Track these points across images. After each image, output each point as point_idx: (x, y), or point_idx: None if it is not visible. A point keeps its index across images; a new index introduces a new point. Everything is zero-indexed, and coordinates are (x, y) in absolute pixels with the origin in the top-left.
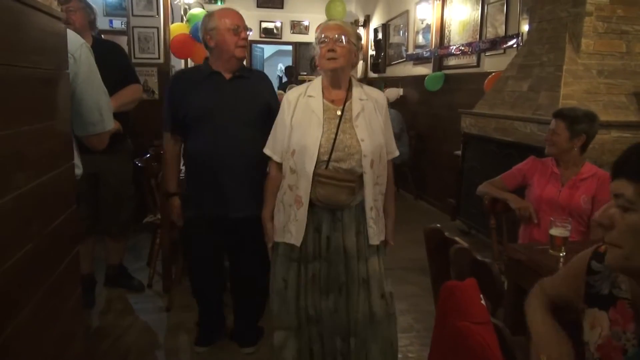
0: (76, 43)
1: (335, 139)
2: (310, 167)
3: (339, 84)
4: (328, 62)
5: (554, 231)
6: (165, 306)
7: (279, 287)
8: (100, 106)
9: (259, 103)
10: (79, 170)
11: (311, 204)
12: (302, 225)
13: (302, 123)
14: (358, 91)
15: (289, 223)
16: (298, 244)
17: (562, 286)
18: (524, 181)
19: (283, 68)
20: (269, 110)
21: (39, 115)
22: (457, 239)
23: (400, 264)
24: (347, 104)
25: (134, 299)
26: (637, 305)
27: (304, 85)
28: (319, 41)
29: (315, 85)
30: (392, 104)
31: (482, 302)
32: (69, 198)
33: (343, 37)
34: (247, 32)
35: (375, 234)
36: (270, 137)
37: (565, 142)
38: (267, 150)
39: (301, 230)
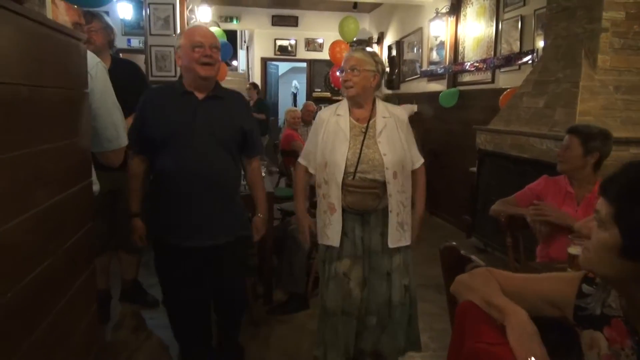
0: (92, 61)
1: (360, 153)
2: (339, 178)
3: (360, 105)
4: (346, 91)
5: (573, 250)
6: None
7: (332, 283)
8: (115, 123)
9: (232, 125)
10: (96, 187)
11: (344, 211)
12: (337, 229)
13: (331, 139)
14: (381, 110)
15: (324, 228)
16: (336, 244)
17: (535, 301)
18: (537, 201)
19: (297, 85)
20: (243, 132)
21: (60, 134)
22: (473, 257)
23: (418, 281)
24: (370, 122)
25: (148, 314)
26: (630, 322)
27: (335, 105)
28: (341, 71)
29: (343, 105)
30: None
31: (498, 322)
32: (86, 214)
33: (356, 68)
34: (213, 50)
35: (397, 238)
36: (304, 150)
37: (579, 159)
38: (302, 160)
39: (337, 232)
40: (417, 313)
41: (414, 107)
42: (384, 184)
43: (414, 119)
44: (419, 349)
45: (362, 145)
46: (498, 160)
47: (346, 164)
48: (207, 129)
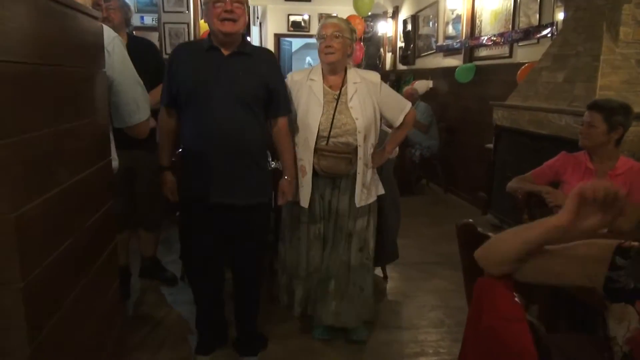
0: (109, 37)
1: (333, 118)
2: (311, 142)
3: (335, 71)
4: (326, 56)
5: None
6: None
7: (294, 243)
8: (135, 97)
9: (255, 82)
10: (115, 163)
11: (316, 174)
12: (307, 190)
13: (304, 103)
14: (352, 76)
15: (298, 189)
16: (306, 205)
17: (566, 269)
18: (555, 178)
19: (311, 61)
20: (267, 90)
21: (79, 113)
22: (490, 234)
23: (431, 259)
24: (342, 88)
25: (168, 290)
26: None
27: (307, 69)
28: (319, 37)
29: (316, 70)
30: (422, 97)
31: (516, 299)
32: (107, 192)
33: (338, 33)
34: (236, 4)
35: (363, 198)
36: None
37: (602, 135)
38: None
39: (307, 194)
40: (370, 279)
41: (429, 83)
42: (355, 150)
43: (429, 95)
44: (373, 317)
45: (334, 110)
46: (515, 137)
47: (319, 128)
48: (229, 85)
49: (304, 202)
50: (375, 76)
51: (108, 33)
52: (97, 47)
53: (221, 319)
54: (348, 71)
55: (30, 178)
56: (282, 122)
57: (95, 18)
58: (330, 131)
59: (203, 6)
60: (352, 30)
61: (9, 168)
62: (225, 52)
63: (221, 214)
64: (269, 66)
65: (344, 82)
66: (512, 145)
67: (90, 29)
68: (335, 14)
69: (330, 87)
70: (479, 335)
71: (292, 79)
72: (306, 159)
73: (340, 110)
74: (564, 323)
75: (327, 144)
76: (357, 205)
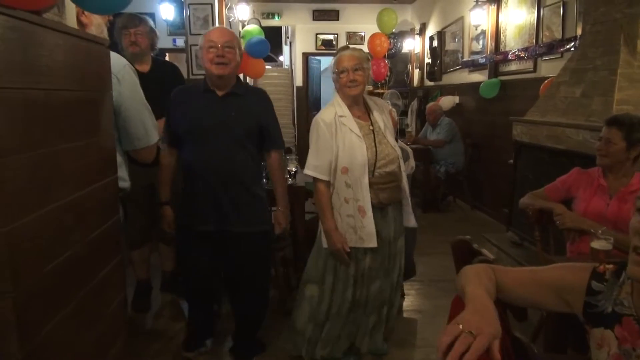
0: (119, 65)
1: (376, 150)
2: (365, 180)
3: (358, 103)
4: (351, 90)
5: (596, 244)
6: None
7: (338, 285)
8: (144, 122)
9: (249, 121)
10: (124, 184)
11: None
12: (372, 230)
13: (349, 144)
14: (371, 104)
15: (357, 231)
16: (374, 244)
17: (542, 299)
18: (568, 194)
19: None
20: (260, 128)
21: (78, 134)
22: (483, 250)
23: (450, 276)
24: (371, 118)
25: (186, 304)
26: None
27: (328, 107)
28: (339, 71)
29: (339, 106)
30: (448, 113)
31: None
32: (111, 209)
33: (358, 66)
34: (227, 49)
35: (410, 218)
36: (310, 159)
37: (622, 153)
38: (308, 172)
39: (371, 233)
40: (398, 294)
41: (455, 99)
42: (399, 176)
43: (455, 111)
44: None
45: (375, 142)
46: (534, 152)
47: (368, 163)
48: (224, 125)
49: (370, 241)
50: (383, 102)
51: (119, 61)
52: (102, 72)
53: (210, 321)
54: (366, 100)
55: (26, 194)
56: (274, 156)
57: (102, 45)
58: (375, 163)
59: (198, 52)
60: (368, 59)
61: (3, 185)
62: (220, 93)
63: (221, 240)
64: (261, 105)
65: (367, 111)
66: (531, 160)
67: (97, 55)
68: (363, 33)
69: (359, 118)
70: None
71: (324, 122)
72: (362, 198)
73: (380, 141)
74: (569, 344)
75: (372, 176)
76: (411, 225)
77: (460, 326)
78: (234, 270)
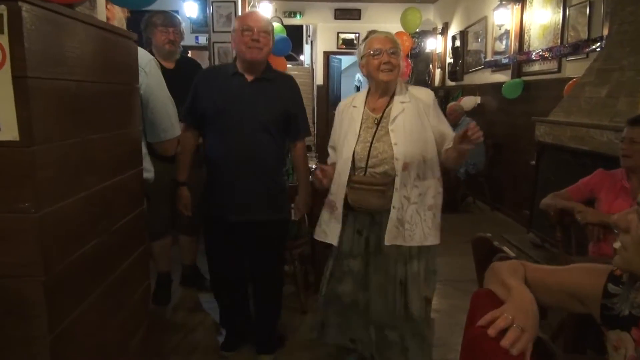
0: (145, 58)
1: (370, 147)
2: (344, 176)
3: (388, 91)
4: (385, 74)
5: (618, 244)
6: None
7: (333, 278)
8: (169, 114)
9: (277, 107)
10: (149, 174)
11: (352, 208)
12: (335, 226)
13: (344, 134)
14: (402, 95)
15: (325, 224)
16: (335, 242)
17: (561, 301)
18: (590, 195)
19: (360, 78)
20: (287, 115)
21: (109, 125)
22: (504, 248)
23: (468, 277)
24: (387, 109)
25: (205, 298)
26: None
27: (352, 95)
28: (373, 53)
29: (360, 96)
30: (469, 113)
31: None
32: (136, 199)
33: (394, 49)
34: (262, 34)
35: (393, 235)
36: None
37: None
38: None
39: (335, 230)
40: (432, 328)
41: (477, 99)
42: (394, 179)
43: (477, 111)
44: None
45: (372, 137)
46: (557, 153)
47: (355, 158)
48: (251, 111)
49: (332, 239)
50: (427, 95)
51: (145, 55)
52: (130, 65)
53: (245, 320)
54: (397, 88)
55: (57, 182)
56: (300, 145)
57: (130, 39)
58: (367, 161)
59: (231, 35)
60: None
61: (35, 172)
62: (249, 78)
63: (242, 229)
64: (290, 92)
65: (389, 102)
66: (554, 161)
67: (123, 48)
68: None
69: (372, 110)
70: (465, 345)
71: (338, 109)
72: (336, 194)
73: (379, 137)
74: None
75: (365, 174)
76: (386, 243)
77: (511, 317)
78: (255, 257)
